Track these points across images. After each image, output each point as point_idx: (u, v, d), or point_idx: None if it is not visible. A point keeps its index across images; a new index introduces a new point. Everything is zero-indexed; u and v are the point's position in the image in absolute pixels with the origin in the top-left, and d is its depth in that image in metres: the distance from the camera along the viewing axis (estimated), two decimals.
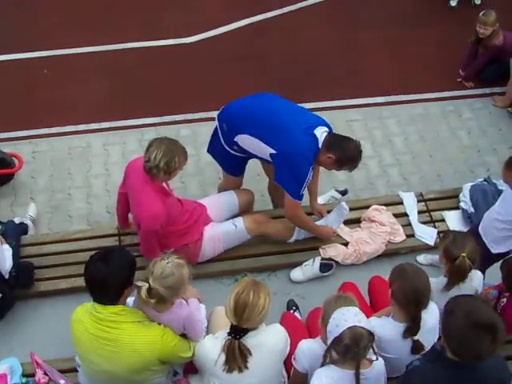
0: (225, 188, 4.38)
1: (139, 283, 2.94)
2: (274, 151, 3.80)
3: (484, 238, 3.80)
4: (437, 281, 3.37)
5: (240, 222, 4.16)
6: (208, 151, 4.31)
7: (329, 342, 2.76)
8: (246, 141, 3.92)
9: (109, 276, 2.89)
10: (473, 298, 2.68)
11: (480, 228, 3.86)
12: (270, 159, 3.89)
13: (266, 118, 3.85)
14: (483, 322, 2.42)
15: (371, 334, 2.73)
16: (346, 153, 3.79)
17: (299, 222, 4.16)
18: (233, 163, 4.21)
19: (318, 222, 4.38)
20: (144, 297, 2.91)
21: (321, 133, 3.81)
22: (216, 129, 4.10)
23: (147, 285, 2.91)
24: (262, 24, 6.25)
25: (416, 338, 3.04)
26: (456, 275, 3.31)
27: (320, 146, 3.78)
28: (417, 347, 3.05)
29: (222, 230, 4.13)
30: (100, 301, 2.95)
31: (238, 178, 4.35)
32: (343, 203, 4.35)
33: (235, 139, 3.94)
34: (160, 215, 3.69)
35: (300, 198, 3.90)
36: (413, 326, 3.03)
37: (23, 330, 4.02)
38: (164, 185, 3.79)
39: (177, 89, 5.60)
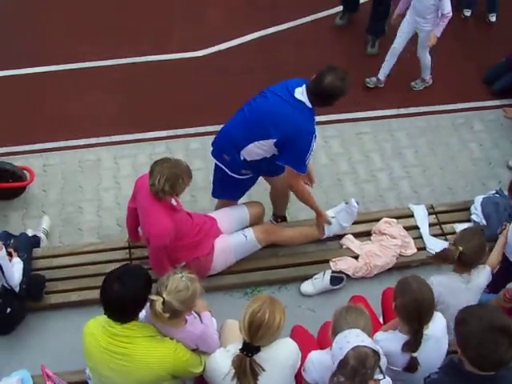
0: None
1: (153, 297, 2.88)
2: (275, 140, 3.75)
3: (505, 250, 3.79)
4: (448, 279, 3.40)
5: (250, 232, 4.17)
6: (214, 196, 4.32)
7: (334, 367, 2.67)
8: (251, 151, 3.86)
9: (127, 299, 2.86)
10: (483, 305, 2.77)
11: None
12: (276, 152, 3.83)
13: (253, 119, 3.82)
14: (498, 325, 2.43)
15: (376, 353, 2.64)
16: (333, 94, 3.70)
17: (300, 191, 4.01)
18: (242, 189, 4.22)
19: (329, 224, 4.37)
20: (159, 311, 2.85)
21: (301, 94, 3.73)
22: (216, 168, 4.08)
23: (161, 299, 2.85)
24: (271, 37, 6.27)
25: (415, 354, 2.99)
26: (442, 259, 3.42)
27: (310, 106, 3.73)
28: (412, 365, 2.99)
29: (232, 241, 4.13)
30: (116, 320, 2.92)
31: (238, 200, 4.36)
32: (352, 200, 4.32)
33: (242, 158, 3.89)
34: (169, 231, 3.70)
35: (305, 169, 3.84)
36: (413, 342, 2.98)
37: (34, 342, 4.03)
38: (173, 200, 3.78)
39: (187, 102, 5.62)
